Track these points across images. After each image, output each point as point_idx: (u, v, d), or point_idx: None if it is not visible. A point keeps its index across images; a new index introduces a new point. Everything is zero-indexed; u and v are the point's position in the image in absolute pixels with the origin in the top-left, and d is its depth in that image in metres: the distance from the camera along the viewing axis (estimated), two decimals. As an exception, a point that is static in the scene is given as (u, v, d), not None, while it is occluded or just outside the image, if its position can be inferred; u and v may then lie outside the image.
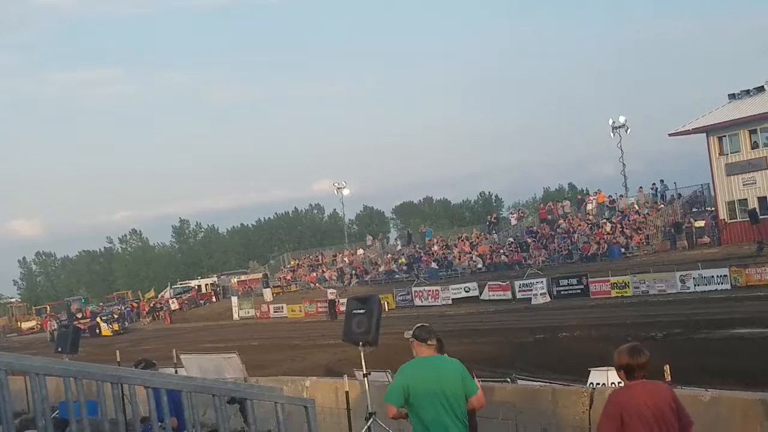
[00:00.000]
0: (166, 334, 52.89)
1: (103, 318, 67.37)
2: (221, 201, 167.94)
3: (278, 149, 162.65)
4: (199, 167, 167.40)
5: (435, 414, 6.70)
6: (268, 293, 64.24)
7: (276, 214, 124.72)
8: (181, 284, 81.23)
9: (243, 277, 76.72)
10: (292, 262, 77.22)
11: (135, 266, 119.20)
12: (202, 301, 73.51)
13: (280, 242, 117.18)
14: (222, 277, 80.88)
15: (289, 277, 71.40)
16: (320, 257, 75.02)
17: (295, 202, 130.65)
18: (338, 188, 79.05)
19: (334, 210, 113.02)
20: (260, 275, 72.21)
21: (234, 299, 65.94)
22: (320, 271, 69.44)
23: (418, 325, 7.39)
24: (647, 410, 5.84)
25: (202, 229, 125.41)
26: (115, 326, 65.14)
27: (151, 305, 75.30)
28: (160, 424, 4.24)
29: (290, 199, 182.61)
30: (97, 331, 63.87)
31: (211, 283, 77.95)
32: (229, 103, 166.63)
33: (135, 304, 77.88)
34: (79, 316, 70.68)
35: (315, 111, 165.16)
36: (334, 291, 52.96)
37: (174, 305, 71.48)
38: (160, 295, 79.85)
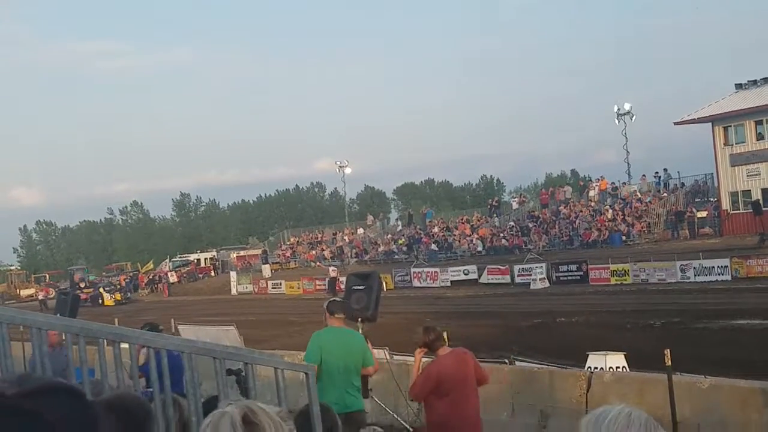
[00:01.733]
0: (164, 307, 52.90)
1: (106, 288, 66.90)
2: (223, 176, 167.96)
3: (281, 126, 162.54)
4: (201, 142, 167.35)
5: (337, 370, 8.19)
6: (266, 269, 64.27)
7: (277, 191, 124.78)
8: (180, 257, 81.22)
9: (242, 253, 76.77)
10: (292, 239, 77.22)
11: (135, 238, 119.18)
12: (200, 275, 73.55)
13: (280, 219, 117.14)
14: (221, 251, 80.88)
15: (288, 254, 71.42)
16: (320, 235, 75.00)
17: (296, 180, 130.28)
18: (340, 167, 78.94)
19: (335, 189, 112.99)
20: (259, 251, 72.25)
21: (233, 274, 65.99)
22: (320, 249, 69.45)
23: (330, 300, 9.51)
24: (457, 371, 7.59)
25: (203, 204, 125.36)
26: (118, 296, 64.63)
27: (150, 277, 75.36)
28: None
29: (292, 176, 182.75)
30: (100, 300, 63.37)
31: (210, 258, 77.93)
32: (233, 79, 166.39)
33: (126, 277, 77.82)
34: (83, 285, 70.15)
35: (319, 89, 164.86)
36: (336, 268, 52.96)
37: (173, 278, 71.50)
38: (159, 268, 79.86)
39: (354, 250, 65.48)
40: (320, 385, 7.28)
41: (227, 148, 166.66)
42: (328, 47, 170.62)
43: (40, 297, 65.69)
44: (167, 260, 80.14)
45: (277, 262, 68.13)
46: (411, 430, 13.11)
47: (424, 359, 8.19)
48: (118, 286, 67.91)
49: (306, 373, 4.80)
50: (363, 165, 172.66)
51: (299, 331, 31.47)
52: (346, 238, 70.77)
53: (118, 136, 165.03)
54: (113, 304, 61.61)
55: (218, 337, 17.48)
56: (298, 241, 75.50)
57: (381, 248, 63.87)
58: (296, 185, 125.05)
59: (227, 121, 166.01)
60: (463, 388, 7.60)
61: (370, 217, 77.57)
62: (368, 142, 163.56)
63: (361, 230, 72.17)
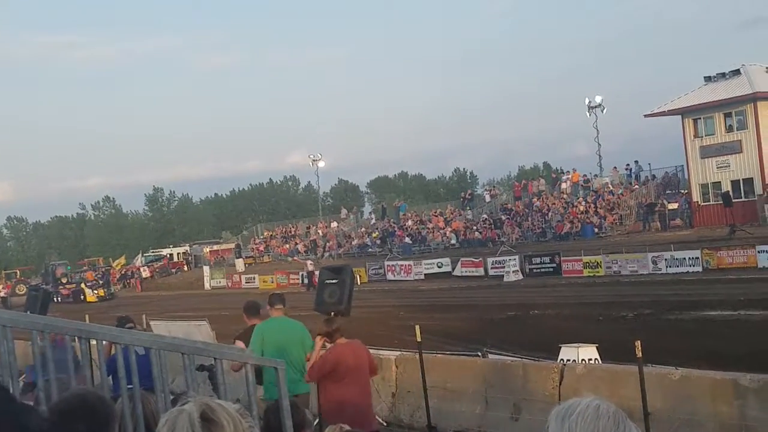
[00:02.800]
0: (137, 302, 52.56)
1: (88, 284, 64.94)
2: (195, 171, 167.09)
3: (254, 120, 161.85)
4: (173, 137, 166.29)
5: (278, 356, 8.32)
6: (240, 263, 64.02)
7: (250, 185, 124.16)
8: (153, 252, 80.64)
9: (215, 247, 76.38)
10: (265, 234, 76.94)
11: (107, 233, 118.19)
12: (173, 270, 73.09)
13: (253, 213, 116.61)
14: (194, 246, 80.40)
15: (261, 248, 71.16)
16: (294, 229, 74.80)
17: (270, 174, 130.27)
18: (314, 160, 78.79)
19: (309, 182, 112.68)
20: (233, 245, 71.95)
21: (206, 269, 65.65)
22: (293, 243, 69.26)
23: (272, 294, 10.59)
24: (352, 360, 8.33)
25: (176, 198, 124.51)
26: (101, 291, 62.78)
27: (122, 272, 74.75)
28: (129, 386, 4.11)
29: (265, 170, 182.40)
30: (82, 296, 61.73)
31: (183, 252, 77.44)
32: (205, 73, 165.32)
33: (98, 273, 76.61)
34: (64, 280, 68.44)
35: (291, 83, 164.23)
36: (312, 262, 52.87)
37: (145, 273, 71.01)
38: (131, 263, 79.26)
39: (328, 244, 65.39)
40: (266, 371, 7.83)
41: (200, 142, 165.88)
42: (301, 41, 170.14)
43: (2, 294, 64.70)
44: (140, 255, 79.57)
45: (250, 257, 67.88)
46: (385, 424, 13.10)
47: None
48: (101, 282, 66.19)
49: (276, 368, 4.76)
50: (336, 159, 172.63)
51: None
52: (320, 231, 70.64)
53: (90, 130, 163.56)
54: (96, 300, 60.42)
55: (190, 332, 17.35)
56: (271, 235, 75.24)
57: (355, 242, 63.82)
58: (270, 179, 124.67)
59: (200, 115, 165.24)
60: (356, 375, 8.37)
61: (344, 211, 77.49)
62: (342, 135, 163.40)
63: (334, 224, 72.07)
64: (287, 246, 69.07)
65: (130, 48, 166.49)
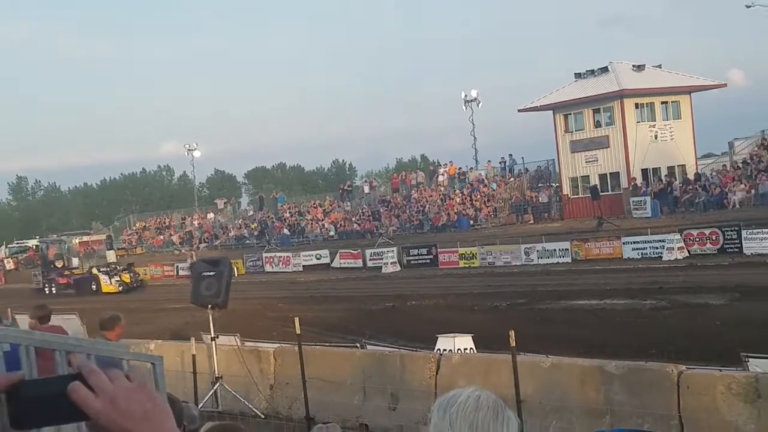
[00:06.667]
0: (0, 294, 50.29)
1: (101, 269, 49.93)
2: (63, 159, 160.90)
3: (125, 108, 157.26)
4: (39, 123, 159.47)
5: None
6: (111, 255, 62.00)
7: (122, 174, 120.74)
8: (17, 244, 77.34)
9: (85, 238, 73.70)
10: (138, 225, 75.02)
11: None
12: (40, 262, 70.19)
13: (126, 204, 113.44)
14: (62, 237, 77.48)
15: (134, 240, 69.35)
16: (168, 220, 73.25)
17: (143, 163, 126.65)
18: (189, 150, 77.26)
19: (184, 172, 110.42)
20: (104, 237, 69.74)
21: (75, 261, 63.38)
22: (168, 234, 67.81)
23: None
24: None
25: (42, 188, 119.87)
26: (126, 277, 48.69)
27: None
28: None
29: (138, 159, 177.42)
30: (94, 286, 47.66)
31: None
32: (73, 57, 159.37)
33: None
34: (60, 264, 53.17)
35: (166, 71, 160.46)
36: (193, 253, 51.87)
37: (9, 265, 68.04)
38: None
39: (204, 235, 64.36)
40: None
41: (67, 129, 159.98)
42: (173, 32, 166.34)
43: None
44: (3, 246, 76.15)
45: (122, 248, 66.01)
46: (263, 416, 13.02)
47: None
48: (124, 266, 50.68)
49: (152, 363, 4.63)
50: (213, 148, 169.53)
51: (148, 318, 30.66)
52: (195, 222, 69.45)
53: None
54: (118, 290, 46.62)
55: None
56: (145, 227, 73.43)
57: (232, 233, 63.07)
58: (143, 168, 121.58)
59: (67, 101, 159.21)
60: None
61: (221, 201, 76.42)
62: (218, 125, 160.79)
63: (211, 215, 70.96)
64: (161, 237, 67.55)
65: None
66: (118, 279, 47.47)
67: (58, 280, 50.19)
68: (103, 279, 47.45)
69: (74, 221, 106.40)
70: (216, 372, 13.33)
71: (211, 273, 13.32)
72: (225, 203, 75.24)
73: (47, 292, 48.04)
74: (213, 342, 13.30)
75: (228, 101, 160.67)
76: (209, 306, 13.08)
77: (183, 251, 61.19)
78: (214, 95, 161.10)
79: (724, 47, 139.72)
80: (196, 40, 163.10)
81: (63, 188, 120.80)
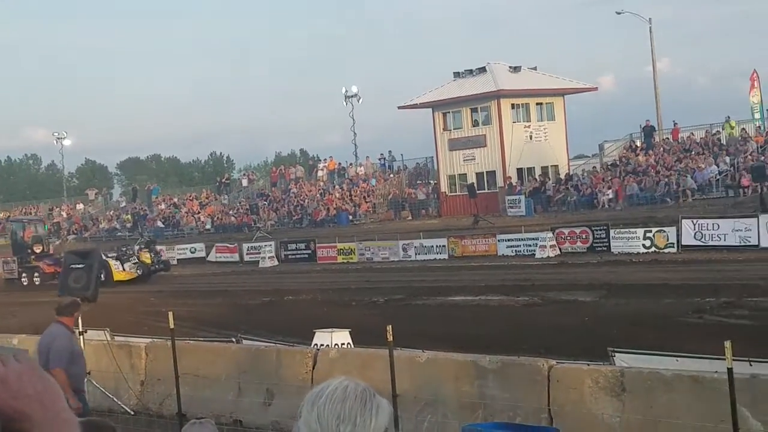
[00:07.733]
0: None
1: (109, 254, 39.37)
2: None
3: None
4: None
5: None
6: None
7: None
8: None
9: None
10: (2, 214, 71.84)
11: None
12: None
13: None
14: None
15: (-2, 230, 66.34)
16: (35, 210, 70.49)
17: (7, 151, 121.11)
18: (58, 138, 74.48)
19: (53, 161, 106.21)
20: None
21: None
22: (35, 225, 65.17)
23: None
24: None
25: None
26: (147, 257, 39.97)
27: None
28: None
29: (1, 147, 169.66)
30: (102, 275, 38.25)
31: None
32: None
33: None
34: (39, 249, 42.71)
35: (33, 55, 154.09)
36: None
37: None
38: None
39: (73, 227, 62.23)
40: None
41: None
42: (44, 17, 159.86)
43: None
44: None
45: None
46: (132, 413, 12.64)
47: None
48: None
49: (14, 357, 4.37)
50: (83, 137, 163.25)
51: (13, 311, 29.34)
52: (64, 213, 67.10)
53: None
54: (135, 275, 38.56)
55: None
56: (9, 217, 70.33)
57: (103, 225, 61.24)
58: (8, 156, 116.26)
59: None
60: None
61: (91, 192, 74.06)
62: (89, 114, 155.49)
63: (81, 206, 68.70)
64: (28, 228, 64.82)
65: None
66: (136, 261, 39.15)
67: (43, 269, 40.32)
68: (114, 266, 38.18)
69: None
70: (85, 367, 12.84)
71: (81, 265, 12.81)
72: (96, 194, 73.02)
73: (26, 283, 40.62)
74: (81, 336, 12.81)
75: (101, 90, 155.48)
76: (78, 299, 12.58)
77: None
78: (85, 81, 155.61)
79: (596, 52, 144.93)
80: (70, 26, 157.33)
81: None
